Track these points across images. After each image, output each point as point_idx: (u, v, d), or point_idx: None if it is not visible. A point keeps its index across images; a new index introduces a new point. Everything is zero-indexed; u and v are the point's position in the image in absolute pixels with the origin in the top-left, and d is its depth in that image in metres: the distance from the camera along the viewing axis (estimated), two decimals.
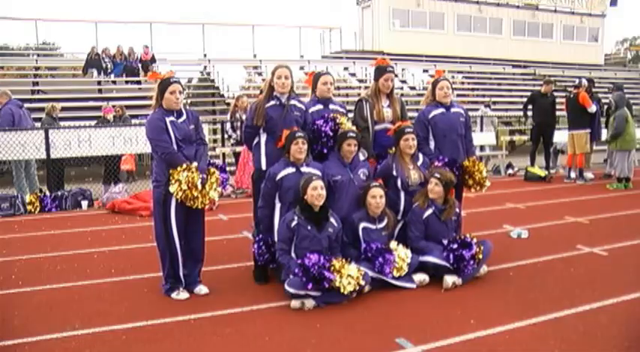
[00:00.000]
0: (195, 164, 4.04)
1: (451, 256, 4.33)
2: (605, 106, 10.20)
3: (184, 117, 4.16)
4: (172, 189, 3.96)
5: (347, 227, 4.37)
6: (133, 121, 10.74)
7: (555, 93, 11.00)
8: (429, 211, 4.55)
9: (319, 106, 4.72)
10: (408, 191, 4.68)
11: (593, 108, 9.59)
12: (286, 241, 4.15)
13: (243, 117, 9.13)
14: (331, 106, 4.76)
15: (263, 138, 4.50)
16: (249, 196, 8.15)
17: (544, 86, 10.82)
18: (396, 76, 4.92)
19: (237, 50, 20.69)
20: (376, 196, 4.34)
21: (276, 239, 4.31)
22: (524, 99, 19.40)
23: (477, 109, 15.26)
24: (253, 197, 4.72)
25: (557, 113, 10.77)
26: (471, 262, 4.34)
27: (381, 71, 4.94)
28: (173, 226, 4.12)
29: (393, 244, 4.39)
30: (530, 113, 10.83)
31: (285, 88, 4.44)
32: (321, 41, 22.45)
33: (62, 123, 10.02)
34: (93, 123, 10.15)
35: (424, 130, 4.99)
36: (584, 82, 10.10)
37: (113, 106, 10.47)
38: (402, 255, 4.31)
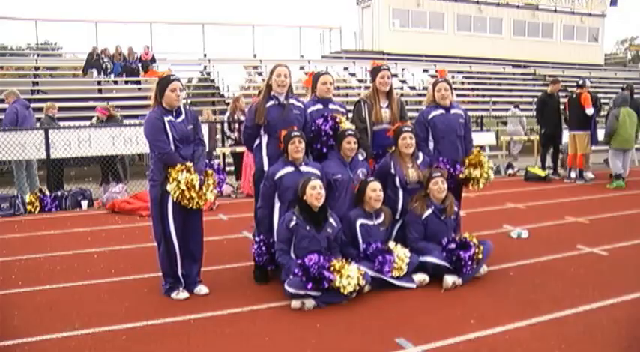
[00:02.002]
0: (189, 164, 4.04)
1: (449, 256, 4.33)
2: (607, 106, 10.22)
3: (183, 116, 4.15)
4: (170, 188, 3.97)
5: (344, 225, 4.37)
6: (133, 121, 10.74)
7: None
8: (429, 211, 4.55)
9: (319, 106, 4.72)
10: (407, 189, 4.69)
11: (590, 111, 9.62)
12: (285, 241, 4.15)
13: (242, 117, 9.16)
14: (331, 106, 4.77)
15: (264, 139, 4.50)
16: (250, 196, 8.18)
17: (550, 86, 10.77)
18: (395, 75, 4.91)
19: (237, 50, 20.71)
20: (376, 190, 4.35)
21: (275, 239, 4.31)
22: (525, 99, 19.38)
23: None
24: (254, 197, 4.72)
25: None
26: (470, 263, 4.35)
27: (376, 71, 4.98)
28: (170, 225, 4.11)
29: (391, 244, 4.39)
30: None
31: (283, 87, 4.45)
32: (321, 41, 22.49)
33: (62, 123, 10.04)
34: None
35: (424, 131, 4.99)
36: (588, 82, 10.11)
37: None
38: (400, 254, 4.31)
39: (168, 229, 4.12)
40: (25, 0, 41.23)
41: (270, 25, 22.65)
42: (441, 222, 4.56)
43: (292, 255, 4.14)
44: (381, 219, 4.46)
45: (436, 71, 5.30)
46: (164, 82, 4.07)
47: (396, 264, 4.25)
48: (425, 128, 5.00)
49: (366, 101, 4.95)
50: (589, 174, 10.05)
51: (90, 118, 10.16)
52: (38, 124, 9.40)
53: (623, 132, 9.27)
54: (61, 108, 10.65)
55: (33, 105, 10.01)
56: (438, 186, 4.52)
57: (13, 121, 8.62)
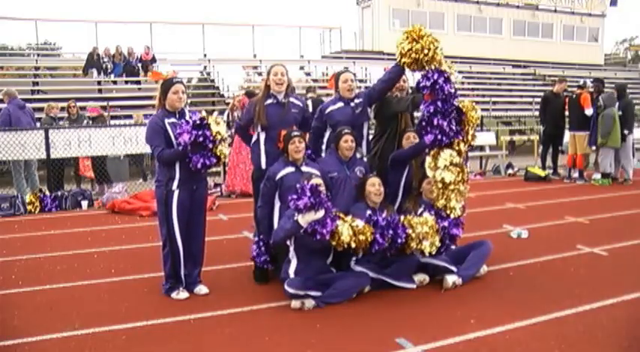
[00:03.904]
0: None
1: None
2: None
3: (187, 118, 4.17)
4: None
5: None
6: (133, 121, 10.73)
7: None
8: (421, 210, 4.56)
9: (340, 104, 4.65)
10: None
11: (589, 111, 9.65)
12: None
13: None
14: (352, 104, 4.68)
15: (262, 136, 4.50)
16: (246, 195, 8.16)
17: (556, 85, 10.71)
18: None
19: (237, 50, 20.72)
20: (375, 184, 4.33)
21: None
22: (524, 99, 19.31)
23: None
24: (254, 197, 4.72)
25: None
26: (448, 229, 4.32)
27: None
28: (175, 225, 4.13)
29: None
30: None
31: (281, 86, 4.46)
32: (321, 41, 22.48)
33: (62, 123, 10.04)
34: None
35: None
36: (589, 83, 10.09)
37: (71, 106, 10.20)
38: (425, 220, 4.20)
39: (173, 229, 4.13)
40: (25, 0, 41.29)
41: (270, 25, 22.66)
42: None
43: (293, 253, 4.13)
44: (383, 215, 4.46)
45: None
46: (167, 84, 4.11)
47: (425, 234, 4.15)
48: None
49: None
50: (597, 175, 10.04)
51: (90, 118, 10.14)
52: (38, 124, 9.39)
53: (616, 131, 9.33)
54: (61, 108, 10.65)
55: (33, 105, 10.01)
56: (429, 187, 4.53)
57: (6, 122, 8.57)
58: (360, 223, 3.98)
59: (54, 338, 3.49)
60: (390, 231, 4.03)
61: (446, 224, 4.29)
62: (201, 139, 3.91)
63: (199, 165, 3.97)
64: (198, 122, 3.94)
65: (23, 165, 8.69)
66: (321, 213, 3.82)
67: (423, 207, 4.53)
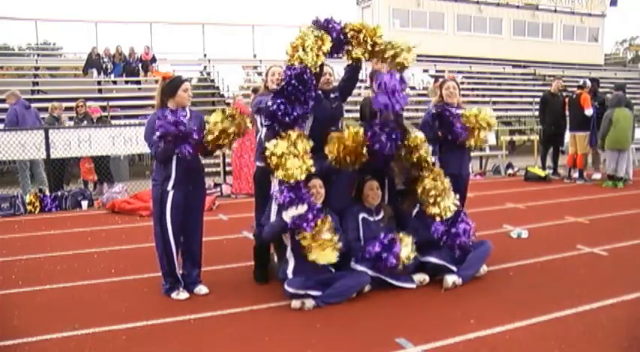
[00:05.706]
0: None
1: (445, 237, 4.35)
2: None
3: (187, 116, 4.18)
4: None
5: (348, 219, 4.37)
6: (133, 121, 10.72)
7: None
8: (415, 209, 4.57)
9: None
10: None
11: (589, 112, 9.64)
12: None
13: None
14: (329, 98, 4.73)
15: (264, 132, 4.51)
16: (248, 194, 8.17)
17: (553, 84, 10.75)
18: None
19: (237, 50, 20.70)
20: (373, 188, 4.39)
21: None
22: (524, 99, 19.31)
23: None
24: (255, 198, 4.72)
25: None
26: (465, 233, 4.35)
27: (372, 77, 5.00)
28: (168, 225, 4.11)
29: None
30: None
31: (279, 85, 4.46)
32: None
33: (70, 123, 10.06)
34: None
35: (429, 131, 5.00)
36: (589, 83, 10.10)
37: (80, 105, 10.12)
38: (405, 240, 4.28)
39: (166, 229, 4.13)
40: (25, 0, 41.28)
41: (270, 25, 22.61)
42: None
43: (290, 253, 4.12)
44: (380, 216, 4.47)
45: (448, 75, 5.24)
46: (176, 82, 4.14)
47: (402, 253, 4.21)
48: (430, 128, 5.02)
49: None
50: (597, 175, 10.02)
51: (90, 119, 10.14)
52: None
53: (615, 133, 9.25)
54: (68, 108, 10.65)
55: (33, 105, 10.01)
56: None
57: (13, 122, 8.71)
58: (327, 236, 3.91)
59: (54, 338, 3.49)
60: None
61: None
62: (174, 131, 3.87)
63: (185, 151, 3.93)
64: (171, 118, 3.94)
65: (29, 164, 8.74)
66: (302, 208, 3.85)
67: (418, 207, 4.53)
